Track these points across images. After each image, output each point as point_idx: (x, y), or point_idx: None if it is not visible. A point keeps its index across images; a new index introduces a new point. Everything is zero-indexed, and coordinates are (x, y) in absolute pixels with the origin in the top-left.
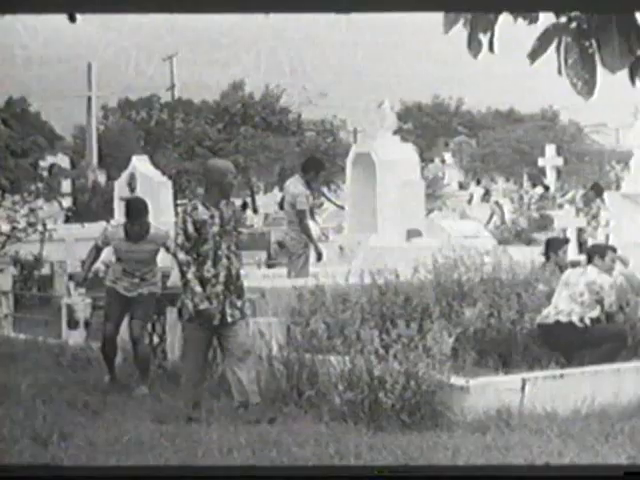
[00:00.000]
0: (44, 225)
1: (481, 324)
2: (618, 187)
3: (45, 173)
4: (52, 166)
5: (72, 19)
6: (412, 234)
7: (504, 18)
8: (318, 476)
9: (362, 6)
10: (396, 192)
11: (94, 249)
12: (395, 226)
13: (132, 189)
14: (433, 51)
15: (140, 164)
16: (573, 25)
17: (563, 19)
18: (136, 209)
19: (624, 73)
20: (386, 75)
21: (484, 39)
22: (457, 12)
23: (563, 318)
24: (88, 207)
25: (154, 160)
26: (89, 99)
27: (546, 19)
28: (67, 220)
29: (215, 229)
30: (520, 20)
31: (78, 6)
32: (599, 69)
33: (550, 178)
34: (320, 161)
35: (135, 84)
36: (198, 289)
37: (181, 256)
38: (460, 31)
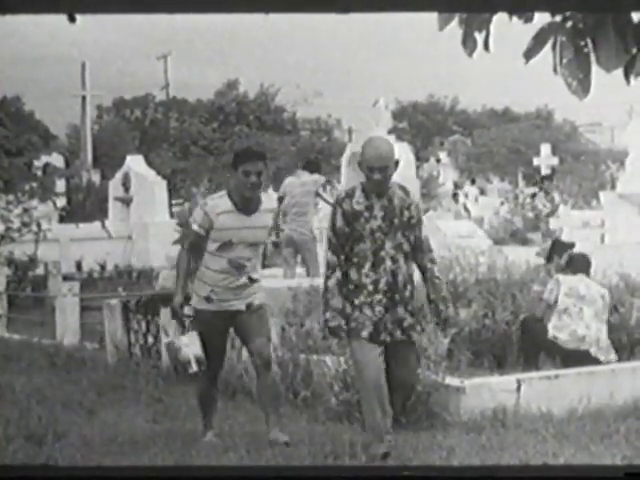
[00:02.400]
0: (38, 225)
1: (476, 325)
2: (613, 187)
3: (39, 173)
4: (46, 165)
5: (72, 19)
6: None
7: (499, 17)
8: (313, 476)
9: (358, 6)
10: None
11: (192, 239)
12: None
13: (127, 189)
14: (428, 50)
15: (135, 163)
16: (568, 24)
17: (558, 18)
18: (252, 154)
19: (619, 72)
20: (381, 74)
21: (479, 38)
22: (452, 12)
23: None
24: (82, 207)
25: (149, 159)
26: (83, 98)
27: (541, 18)
28: (61, 220)
29: (375, 224)
30: (515, 19)
31: (78, 6)
32: (594, 68)
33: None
34: (318, 163)
35: (129, 83)
36: (335, 302)
37: (328, 256)
38: (455, 30)
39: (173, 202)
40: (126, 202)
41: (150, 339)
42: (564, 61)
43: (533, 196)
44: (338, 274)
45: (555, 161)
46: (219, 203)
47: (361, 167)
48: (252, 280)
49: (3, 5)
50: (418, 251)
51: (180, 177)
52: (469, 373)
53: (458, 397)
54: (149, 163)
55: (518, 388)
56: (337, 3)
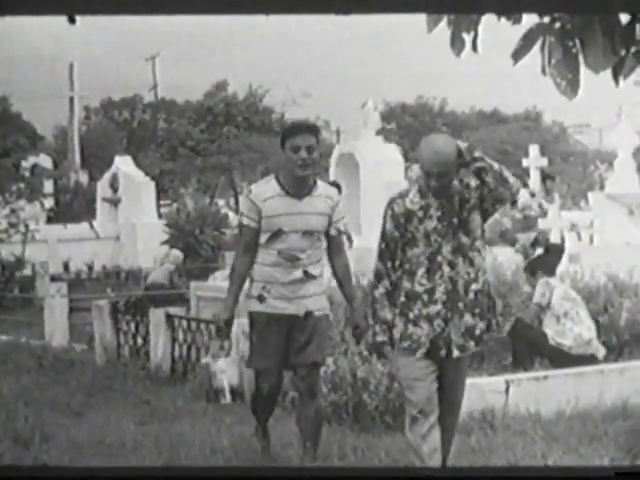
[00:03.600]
0: (26, 226)
1: None
2: (602, 188)
3: (27, 173)
4: (34, 166)
5: (72, 21)
6: None
7: (487, 18)
8: (302, 477)
9: (347, 7)
10: (380, 193)
11: (246, 237)
12: (379, 227)
13: (115, 189)
14: (417, 51)
15: (123, 164)
16: (557, 25)
17: (547, 19)
18: (302, 126)
19: (608, 73)
20: (370, 75)
21: (467, 39)
22: (440, 13)
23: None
24: (70, 208)
25: (137, 160)
26: (71, 99)
27: (529, 19)
28: (49, 221)
29: (431, 225)
30: (503, 20)
31: (78, 8)
32: (583, 69)
33: (534, 179)
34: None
35: (118, 84)
36: (383, 313)
37: (376, 263)
38: (444, 31)
39: (161, 203)
40: (114, 203)
41: (139, 340)
42: (552, 62)
43: (533, 195)
44: (387, 283)
45: (544, 162)
46: (265, 188)
47: (420, 167)
48: (308, 275)
49: (3, 6)
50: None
51: (168, 178)
52: None
53: None
54: (137, 164)
55: (507, 389)
56: (326, 4)
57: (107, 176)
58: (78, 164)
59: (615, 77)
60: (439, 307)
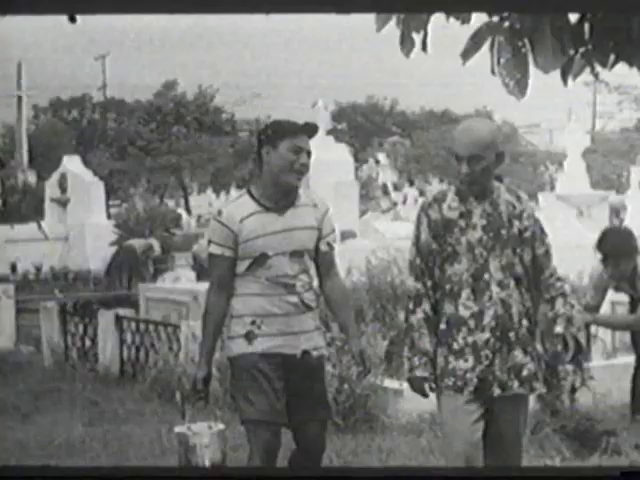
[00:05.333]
0: None
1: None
2: (552, 188)
3: None
4: None
5: (72, 20)
6: (346, 235)
7: (436, 17)
8: (249, 477)
9: (296, 7)
10: (330, 193)
11: (219, 270)
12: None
13: (63, 189)
14: (367, 51)
15: (71, 164)
16: (506, 25)
17: (496, 19)
18: (306, 125)
19: (557, 73)
20: (320, 75)
21: (417, 38)
22: (390, 13)
23: None
24: (18, 208)
25: (86, 160)
26: (19, 98)
27: (479, 19)
28: None
29: (474, 236)
30: (453, 20)
31: (78, 7)
32: (533, 69)
33: None
34: None
35: (67, 83)
36: (423, 343)
37: (409, 283)
38: (394, 30)
39: (110, 203)
40: (63, 203)
41: (87, 342)
42: (502, 62)
43: None
44: (426, 306)
45: None
46: (238, 207)
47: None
48: (305, 305)
49: (3, 6)
50: (538, 272)
51: (117, 178)
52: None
53: (397, 400)
54: (86, 164)
55: None
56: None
57: (55, 176)
58: (26, 164)
59: (564, 77)
60: (487, 335)
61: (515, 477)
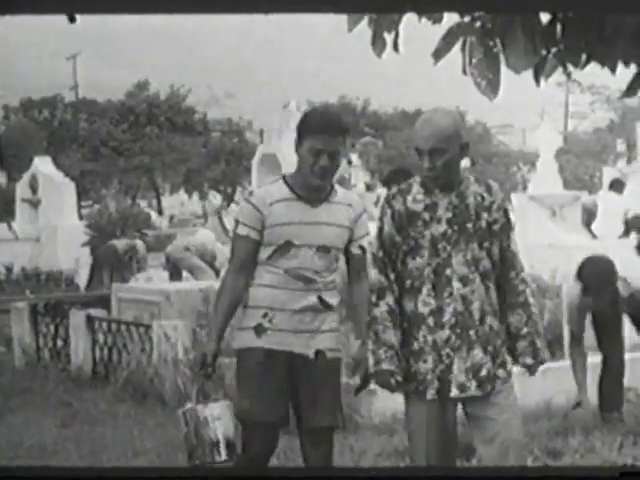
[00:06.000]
0: None
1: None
2: (524, 188)
3: None
4: None
5: (72, 20)
6: None
7: (408, 17)
8: (218, 477)
9: (269, 7)
10: None
11: (241, 252)
12: None
13: (34, 190)
14: (340, 51)
15: (42, 165)
16: (477, 25)
17: (467, 19)
18: (328, 122)
19: (530, 74)
20: (292, 75)
21: (388, 38)
22: (361, 13)
23: None
24: None
25: (57, 161)
26: None
27: (450, 19)
28: None
29: (438, 230)
30: (425, 20)
31: (78, 6)
32: (505, 70)
33: None
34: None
35: (38, 84)
36: (387, 336)
37: (373, 275)
38: (366, 30)
39: (82, 204)
40: (34, 204)
41: (59, 342)
42: (473, 62)
43: None
44: (390, 299)
45: (467, 163)
46: (271, 190)
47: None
48: (324, 303)
49: (3, 5)
50: (504, 269)
51: (89, 179)
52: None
53: (370, 399)
54: (57, 164)
55: None
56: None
57: (26, 177)
58: None
59: (536, 77)
60: (447, 333)
61: (516, 477)
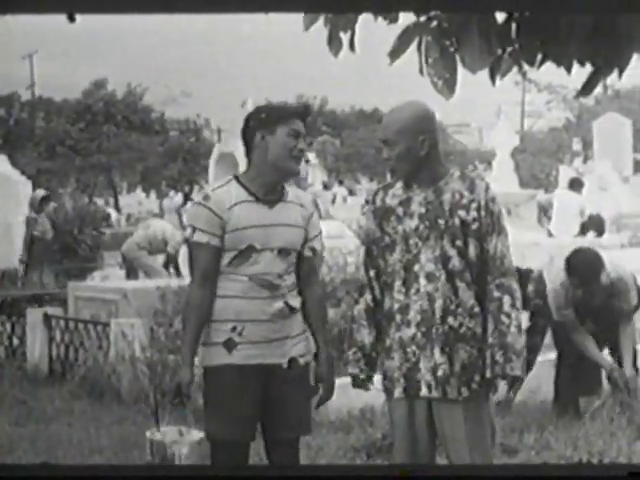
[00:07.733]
0: None
1: (345, 324)
2: None
3: None
4: None
5: (72, 19)
6: None
7: (364, 17)
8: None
9: (223, 6)
10: None
11: (203, 262)
12: None
13: None
14: (297, 50)
15: None
16: (433, 24)
17: (423, 18)
18: (302, 108)
19: (486, 73)
20: (250, 74)
21: (345, 38)
22: (317, 12)
23: None
24: None
25: (13, 159)
26: None
27: (406, 18)
28: None
29: (409, 225)
30: (380, 19)
31: (78, 6)
32: (461, 69)
33: None
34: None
35: None
36: (360, 336)
37: (359, 273)
38: (322, 29)
39: None
40: None
41: (15, 341)
42: (430, 61)
43: None
44: (368, 297)
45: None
46: (227, 191)
47: None
48: (290, 308)
49: (3, 5)
50: (481, 272)
51: (46, 177)
52: (337, 372)
53: None
54: (14, 163)
55: None
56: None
57: None
58: None
59: (492, 76)
60: (413, 330)
61: (515, 477)
